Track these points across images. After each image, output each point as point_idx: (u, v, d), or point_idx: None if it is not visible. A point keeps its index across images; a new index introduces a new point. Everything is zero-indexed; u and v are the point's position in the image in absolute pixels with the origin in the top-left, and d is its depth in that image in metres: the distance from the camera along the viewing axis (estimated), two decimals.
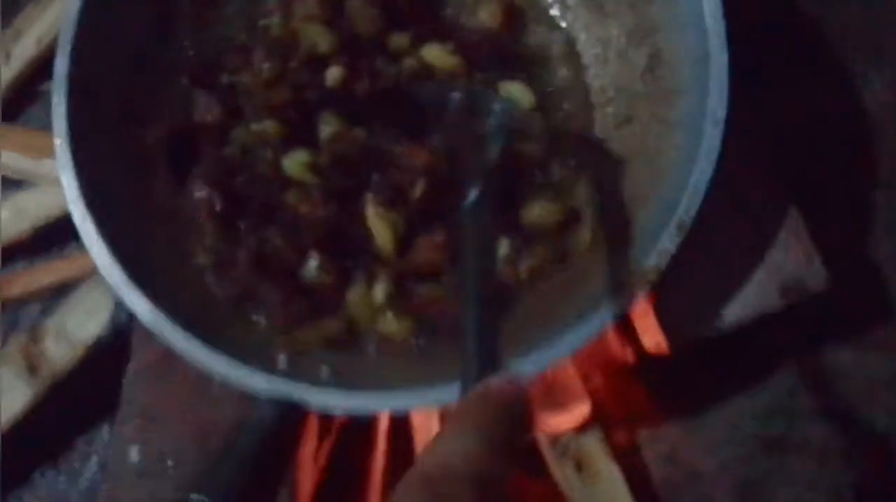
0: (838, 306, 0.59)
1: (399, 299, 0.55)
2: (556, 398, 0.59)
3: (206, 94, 0.59)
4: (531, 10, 0.62)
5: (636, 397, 0.61)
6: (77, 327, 0.66)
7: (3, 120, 0.74)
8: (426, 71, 0.58)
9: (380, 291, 0.55)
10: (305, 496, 0.60)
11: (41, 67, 0.74)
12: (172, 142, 0.58)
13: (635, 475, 0.59)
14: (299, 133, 0.57)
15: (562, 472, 0.59)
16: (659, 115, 0.56)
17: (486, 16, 0.60)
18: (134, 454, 0.60)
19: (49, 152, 0.56)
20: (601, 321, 0.50)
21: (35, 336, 0.66)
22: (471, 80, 0.58)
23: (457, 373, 0.41)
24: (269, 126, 0.57)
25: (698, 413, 0.60)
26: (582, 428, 0.59)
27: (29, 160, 0.70)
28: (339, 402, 0.51)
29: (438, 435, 0.36)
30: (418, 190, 0.55)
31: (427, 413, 0.60)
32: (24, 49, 0.74)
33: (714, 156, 0.51)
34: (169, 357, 0.55)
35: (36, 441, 0.66)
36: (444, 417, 0.61)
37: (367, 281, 0.56)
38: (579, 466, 0.59)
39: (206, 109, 0.58)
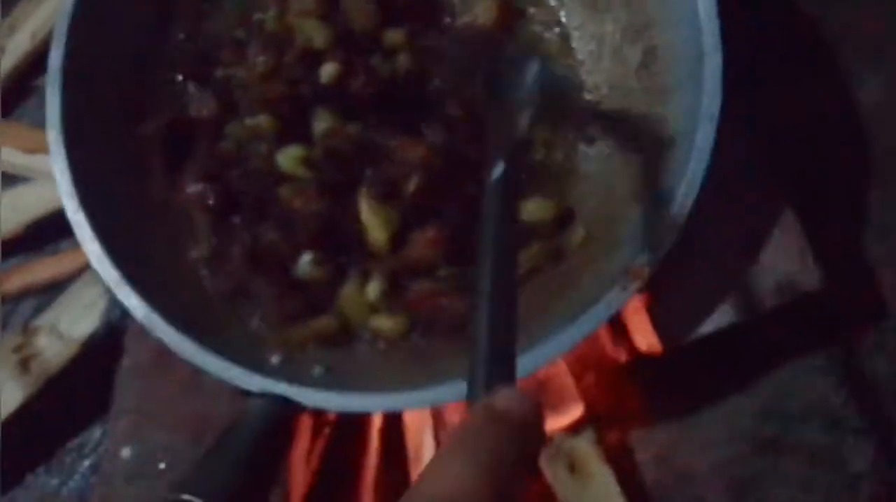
0: (832, 306, 0.59)
1: (393, 295, 0.55)
2: (548, 398, 0.59)
3: (200, 88, 0.59)
4: (526, 6, 0.62)
5: (629, 397, 0.61)
6: (70, 324, 0.66)
7: None
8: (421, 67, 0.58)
9: (373, 288, 0.55)
10: (298, 495, 0.59)
11: (36, 62, 0.74)
12: (167, 137, 0.58)
13: (628, 475, 0.58)
14: (293, 128, 0.57)
15: (554, 473, 0.58)
16: (653, 112, 0.56)
17: (482, 12, 0.61)
18: (126, 452, 0.60)
19: (44, 148, 0.56)
20: (594, 320, 0.49)
21: (28, 333, 0.66)
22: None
23: (453, 373, 0.39)
24: (263, 121, 0.57)
25: (691, 413, 0.60)
26: (574, 429, 0.59)
27: (25, 155, 0.70)
28: (333, 402, 0.50)
29: (442, 454, 0.32)
30: (412, 184, 0.55)
31: (420, 411, 0.60)
32: (19, 44, 0.74)
33: (708, 154, 0.51)
34: (162, 354, 0.55)
35: (29, 439, 0.66)
36: (437, 417, 0.61)
37: (361, 277, 0.56)
38: (571, 467, 0.58)
39: (201, 103, 0.58)
